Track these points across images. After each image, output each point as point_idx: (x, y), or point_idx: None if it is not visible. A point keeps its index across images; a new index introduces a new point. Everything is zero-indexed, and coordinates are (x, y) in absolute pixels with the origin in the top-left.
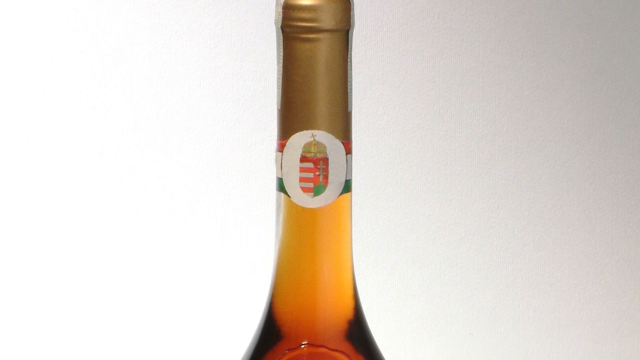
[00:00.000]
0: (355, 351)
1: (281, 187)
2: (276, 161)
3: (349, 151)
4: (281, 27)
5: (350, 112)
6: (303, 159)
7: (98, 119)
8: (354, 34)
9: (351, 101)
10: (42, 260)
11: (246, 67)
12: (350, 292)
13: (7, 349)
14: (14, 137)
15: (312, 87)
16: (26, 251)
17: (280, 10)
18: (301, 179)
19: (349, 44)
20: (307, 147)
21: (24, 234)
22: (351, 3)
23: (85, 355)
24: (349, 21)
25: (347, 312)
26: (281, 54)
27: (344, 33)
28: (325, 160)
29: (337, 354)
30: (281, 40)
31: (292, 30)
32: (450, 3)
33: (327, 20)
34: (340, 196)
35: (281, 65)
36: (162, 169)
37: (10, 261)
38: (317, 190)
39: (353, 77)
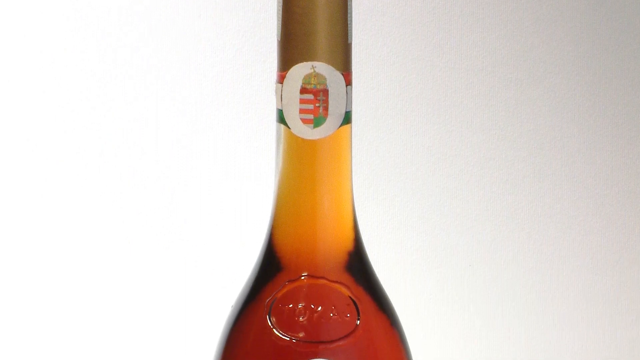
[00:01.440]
0: (355, 282)
1: (281, 119)
2: (276, 93)
3: (349, 83)
4: None
5: (350, 43)
6: (303, 90)
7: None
8: None
9: (351, 33)
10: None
11: None
12: (350, 224)
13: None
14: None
15: (312, 19)
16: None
17: None
18: (301, 111)
19: None
20: (307, 78)
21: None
22: None
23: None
24: None
25: (347, 243)
26: None
27: None
28: (325, 92)
29: (336, 286)
30: None
31: None
32: None
33: None
34: (340, 128)
35: None
36: (162, 107)
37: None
38: (317, 122)
39: (353, 9)
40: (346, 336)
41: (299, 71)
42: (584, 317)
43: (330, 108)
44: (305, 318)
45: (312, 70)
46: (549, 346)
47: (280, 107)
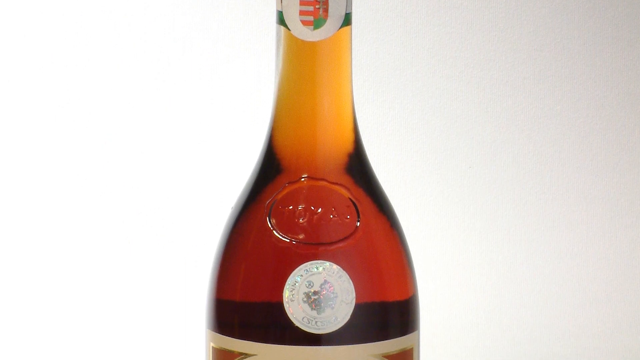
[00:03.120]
0: (354, 184)
1: (281, 20)
2: None
3: None
4: None
5: None
6: None
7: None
8: None
9: None
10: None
11: None
12: (350, 126)
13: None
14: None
15: None
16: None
17: None
18: (301, 12)
19: None
20: None
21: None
22: None
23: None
24: None
25: (347, 145)
26: None
27: None
28: None
29: (336, 187)
30: None
31: None
32: None
33: None
34: (340, 29)
35: None
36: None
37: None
38: (317, 24)
39: None
40: (346, 238)
41: None
42: (584, 219)
43: (330, 10)
44: (305, 220)
45: None
46: (548, 247)
47: (280, 9)
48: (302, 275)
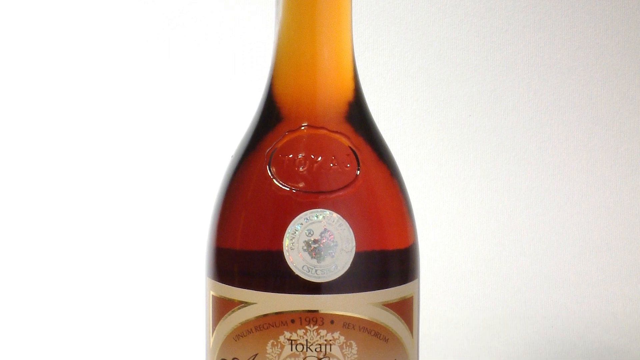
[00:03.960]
0: (355, 133)
1: None
2: None
3: None
4: None
5: None
6: None
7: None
8: None
9: None
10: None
11: None
12: (350, 74)
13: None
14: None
15: None
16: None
17: None
18: None
19: None
20: None
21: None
22: None
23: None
24: None
25: (347, 93)
26: None
27: None
28: None
29: (336, 136)
30: None
31: None
32: None
33: None
34: None
35: None
36: None
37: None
38: None
39: None
40: (346, 186)
41: None
42: (584, 167)
43: None
44: (305, 168)
45: None
46: (548, 195)
47: None
48: (302, 224)
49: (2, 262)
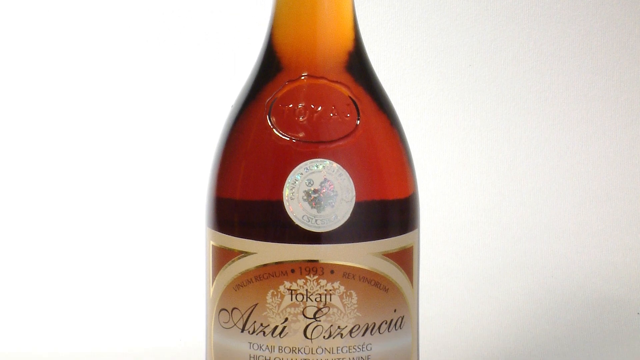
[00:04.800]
0: (355, 82)
1: None
2: None
3: None
4: None
5: None
6: None
7: None
8: None
9: None
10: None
11: None
12: (350, 24)
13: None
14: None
15: None
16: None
17: None
18: None
19: None
20: None
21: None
22: None
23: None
24: None
25: (347, 43)
26: None
27: None
28: None
29: (336, 85)
30: None
31: None
32: None
33: None
34: None
35: None
36: None
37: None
38: None
39: None
40: (346, 136)
41: None
42: (584, 117)
43: None
44: (305, 118)
45: None
46: (548, 146)
47: None
48: (302, 174)
49: None
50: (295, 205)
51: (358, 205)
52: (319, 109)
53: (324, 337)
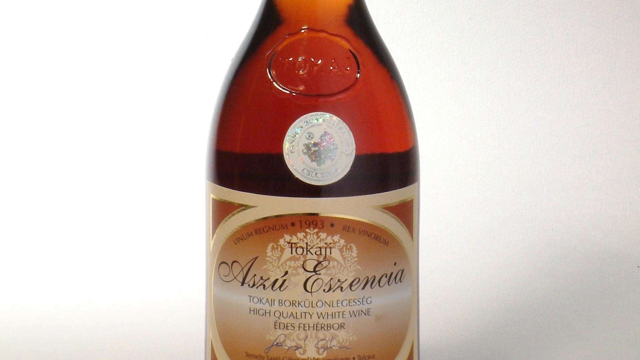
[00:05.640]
0: (355, 36)
1: None
2: None
3: None
4: None
5: None
6: None
7: None
8: None
9: None
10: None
11: None
12: None
13: None
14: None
15: None
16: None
17: None
18: None
19: None
20: None
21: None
22: None
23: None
24: None
25: None
26: None
27: None
28: None
29: (336, 39)
30: None
31: None
32: None
33: None
34: None
35: None
36: None
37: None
38: None
39: None
40: (346, 89)
41: None
42: (584, 70)
43: None
44: (305, 71)
45: None
46: (548, 99)
47: None
48: (302, 127)
49: None
50: (295, 158)
51: (358, 159)
52: (319, 62)
53: (324, 290)
